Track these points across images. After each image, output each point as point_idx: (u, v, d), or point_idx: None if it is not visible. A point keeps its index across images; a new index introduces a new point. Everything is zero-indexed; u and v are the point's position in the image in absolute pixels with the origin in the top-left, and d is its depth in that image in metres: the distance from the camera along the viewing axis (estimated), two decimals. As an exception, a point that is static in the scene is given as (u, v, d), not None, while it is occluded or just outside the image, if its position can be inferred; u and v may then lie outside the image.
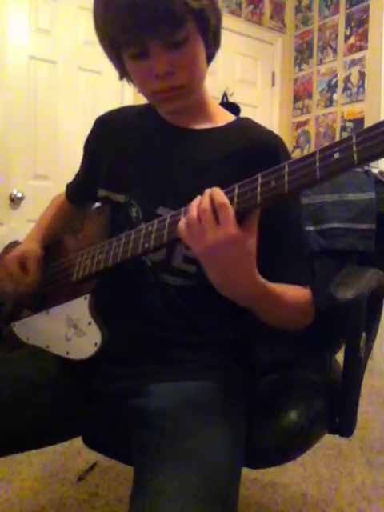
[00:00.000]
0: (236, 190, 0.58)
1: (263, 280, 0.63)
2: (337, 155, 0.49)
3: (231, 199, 0.57)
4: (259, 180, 0.56)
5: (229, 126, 0.81)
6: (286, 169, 0.54)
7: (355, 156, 0.47)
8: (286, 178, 0.53)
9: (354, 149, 0.47)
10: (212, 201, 0.57)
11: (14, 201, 2.15)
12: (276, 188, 0.54)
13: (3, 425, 0.71)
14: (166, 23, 0.65)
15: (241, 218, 0.57)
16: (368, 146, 0.47)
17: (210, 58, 0.78)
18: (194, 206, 0.59)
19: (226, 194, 0.58)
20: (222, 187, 0.60)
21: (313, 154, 0.52)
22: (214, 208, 0.57)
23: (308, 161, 0.52)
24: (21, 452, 0.79)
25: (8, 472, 1.44)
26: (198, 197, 0.60)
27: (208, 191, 0.59)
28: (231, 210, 0.56)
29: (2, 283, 0.91)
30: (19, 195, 2.14)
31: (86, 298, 0.74)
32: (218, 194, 0.57)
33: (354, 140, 0.48)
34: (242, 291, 0.63)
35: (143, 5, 0.64)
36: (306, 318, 0.75)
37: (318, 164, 0.51)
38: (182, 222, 0.59)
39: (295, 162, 0.53)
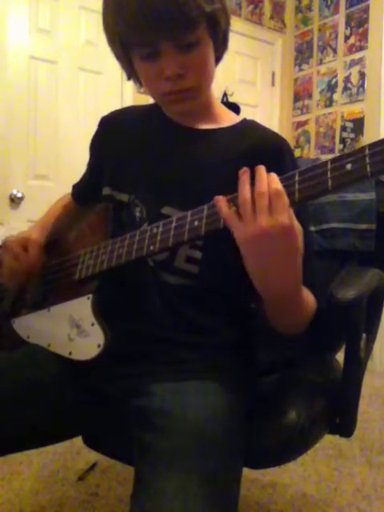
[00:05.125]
0: None
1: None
2: (349, 166, 0.48)
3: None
4: None
5: (234, 127, 0.81)
6: (297, 177, 0.53)
7: (368, 168, 0.47)
8: (297, 186, 0.53)
9: (368, 160, 0.47)
10: (270, 185, 0.55)
11: (14, 201, 2.15)
12: (287, 196, 0.54)
13: (3, 424, 0.71)
14: (179, 25, 0.66)
15: None
16: (382, 158, 0.46)
17: (217, 60, 0.78)
18: (246, 189, 0.56)
19: (234, 199, 0.58)
20: (225, 189, 0.60)
21: (324, 164, 0.51)
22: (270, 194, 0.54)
23: (320, 170, 0.51)
24: (21, 452, 0.79)
25: (8, 472, 1.44)
26: (246, 180, 0.57)
27: (264, 175, 0.56)
28: (286, 199, 0.54)
29: (4, 263, 0.90)
30: (19, 195, 2.14)
31: (88, 298, 0.74)
32: (275, 180, 0.55)
33: (367, 152, 0.47)
34: (284, 287, 0.60)
35: (157, 6, 0.64)
36: (307, 324, 0.75)
37: (329, 174, 0.50)
38: (225, 205, 0.57)
39: (306, 171, 0.52)
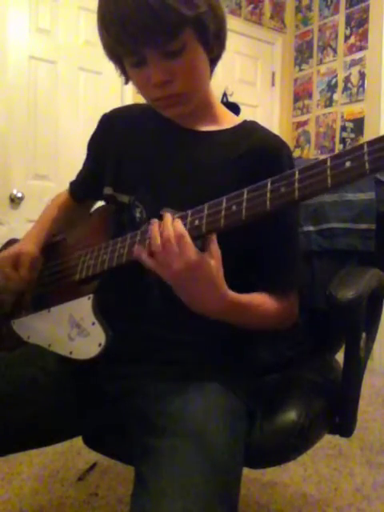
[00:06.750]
0: (245, 195, 0.58)
1: (234, 295, 0.66)
2: (348, 164, 0.49)
3: (240, 204, 0.57)
4: (268, 186, 0.55)
5: (234, 129, 0.81)
6: (297, 176, 0.53)
7: (367, 165, 0.47)
8: (297, 185, 0.53)
9: (366, 158, 0.47)
10: (173, 229, 0.60)
11: (14, 201, 2.15)
12: (286, 195, 0.54)
13: (3, 423, 0.71)
14: (160, 34, 0.65)
15: (248, 225, 0.57)
16: (380, 155, 0.46)
17: (214, 60, 0.77)
18: (156, 236, 0.61)
19: (236, 198, 0.58)
20: (224, 190, 0.60)
21: (324, 162, 0.51)
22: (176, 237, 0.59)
23: (319, 168, 0.51)
24: (21, 451, 0.79)
25: (8, 472, 1.44)
26: (156, 224, 0.62)
27: (169, 219, 0.61)
28: (188, 239, 0.59)
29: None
30: (19, 195, 2.14)
31: (89, 298, 0.74)
32: (177, 224, 0.60)
33: (365, 149, 0.48)
34: (212, 308, 0.66)
35: (135, 17, 0.63)
36: (285, 322, 0.78)
37: (329, 172, 0.50)
38: (144, 253, 0.63)
39: (306, 169, 0.53)
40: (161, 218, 0.67)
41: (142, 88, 0.74)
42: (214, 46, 0.74)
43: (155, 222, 0.63)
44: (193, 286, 0.62)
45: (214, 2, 0.70)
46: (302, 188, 0.52)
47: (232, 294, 0.66)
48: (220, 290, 0.63)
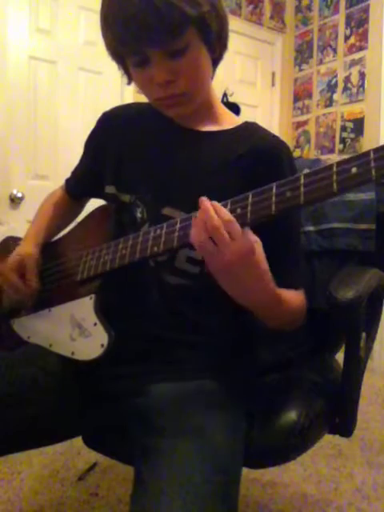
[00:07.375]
0: (250, 199, 0.58)
1: (274, 284, 0.65)
2: (354, 170, 0.49)
3: (245, 207, 0.57)
4: (274, 190, 0.56)
5: (235, 130, 0.81)
6: (302, 180, 0.53)
7: (373, 172, 0.47)
8: (302, 189, 0.53)
9: (372, 165, 0.47)
10: (219, 217, 0.57)
11: (14, 201, 2.14)
12: (291, 199, 0.54)
13: (4, 423, 0.71)
14: (163, 34, 0.65)
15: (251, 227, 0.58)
16: None
17: (216, 61, 0.77)
18: (202, 226, 0.58)
19: (240, 201, 0.58)
20: (225, 191, 0.60)
21: (330, 167, 0.52)
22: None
23: (325, 174, 0.52)
24: (21, 451, 0.79)
25: (8, 472, 1.44)
26: (209, 207, 0.58)
27: (209, 207, 0.57)
28: (237, 225, 0.57)
29: (4, 294, 0.90)
30: (19, 195, 2.14)
31: (91, 298, 0.74)
32: (222, 210, 0.57)
33: (371, 156, 0.48)
34: (258, 298, 0.65)
35: (138, 17, 0.63)
36: (301, 321, 0.78)
37: (335, 177, 0.51)
38: (196, 237, 0.58)
39: (311, 174, 0.53)
40: (162, 218, 0.67)
41: (144, 87, 0.74)
42: (217, 46, 0.74)
43: (207, 206, 0.58)
44: (245, 275, 0.60)
45: (217, 1, 0.70)
46: (307, 193, 0.52)
47: (273, 283, 0.64)
48: (268, 278, 0.62)
